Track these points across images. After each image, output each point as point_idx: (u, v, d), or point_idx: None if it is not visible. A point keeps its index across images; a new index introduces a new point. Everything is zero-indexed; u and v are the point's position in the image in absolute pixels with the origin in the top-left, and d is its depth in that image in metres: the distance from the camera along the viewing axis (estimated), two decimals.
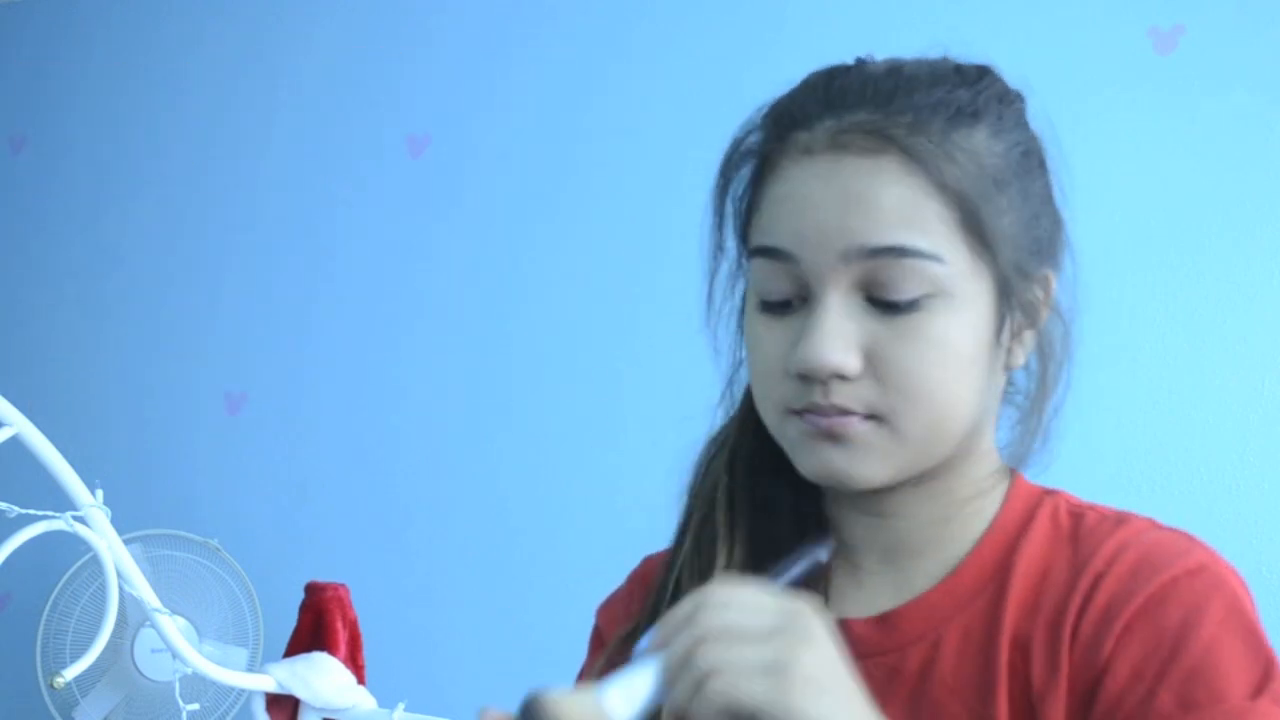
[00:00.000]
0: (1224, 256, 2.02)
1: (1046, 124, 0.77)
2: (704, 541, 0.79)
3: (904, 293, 0.68)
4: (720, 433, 0.83)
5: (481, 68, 2.61)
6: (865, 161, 0.68)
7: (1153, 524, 0.72)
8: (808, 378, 0.69)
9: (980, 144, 0.70)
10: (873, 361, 0.68)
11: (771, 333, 0.72)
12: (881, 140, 0.68)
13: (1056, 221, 0.76)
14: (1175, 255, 2.04)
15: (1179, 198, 2.04)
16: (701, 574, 0.77)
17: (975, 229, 0.69)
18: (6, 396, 1.72)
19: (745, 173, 0.76)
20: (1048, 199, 0.75)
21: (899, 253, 0.67)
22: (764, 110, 0.76)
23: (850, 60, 0.75)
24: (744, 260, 0.77)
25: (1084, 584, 0.69)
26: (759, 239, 0.72)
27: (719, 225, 0.79)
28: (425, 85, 2.65)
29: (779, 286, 0.71)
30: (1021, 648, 0.69)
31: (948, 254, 0.68)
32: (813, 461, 0.71)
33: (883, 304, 0.68)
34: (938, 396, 0.69)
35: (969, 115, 0.71)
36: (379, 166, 2.66)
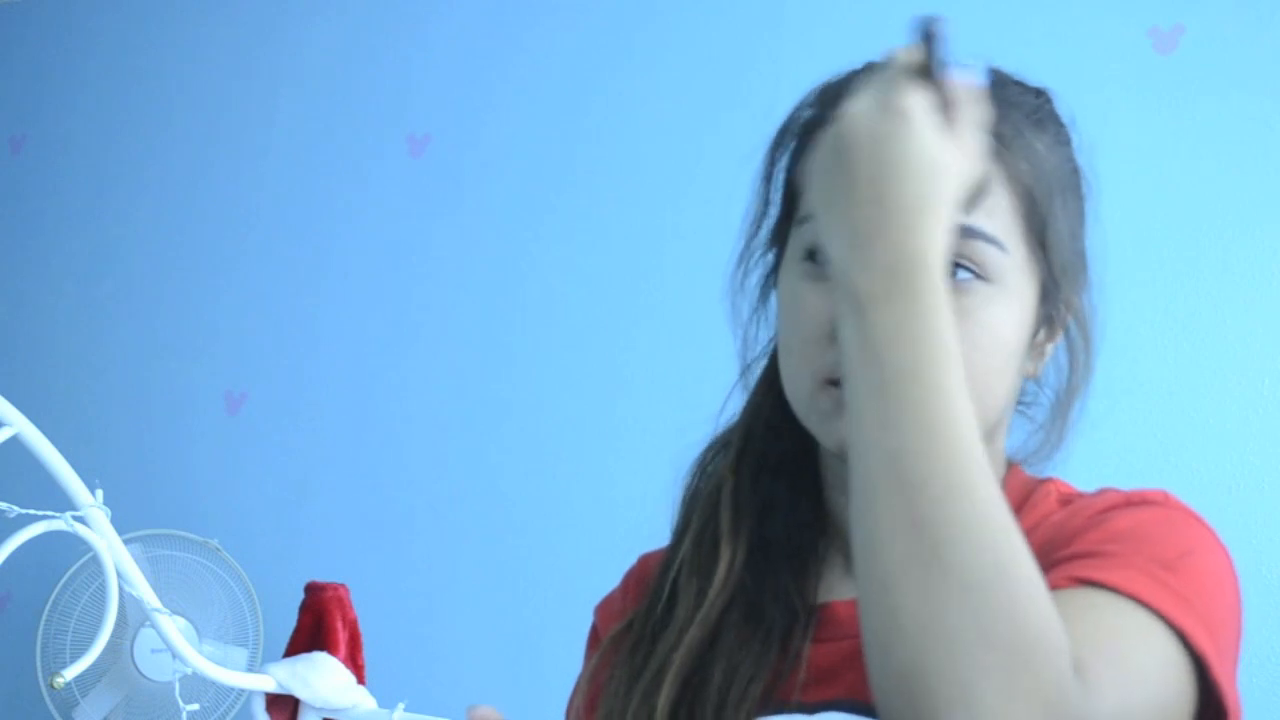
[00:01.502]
0: (1224, 256, 2.02)
1: (1089, 158, 0.77)
2: (705, 542, 0.78)
3: (964, 274, 0.68)
4: (723, 436, 0.82)
5: (481, 68, 2.61)
6: None
7: (1122, 490, 0.73)
8: None
9: (1046, 148, 0.72)
10: None
11: (815, 294, 0.70)
12: None
13: (1088, 244, 0.77)
14: (1175, 255, 2.04)
15: (1179, 198, 2.04)
16: (701, 574, 0.77)
17: (1036, 227, 0.70)
18: (6, 396, 1.72)
19: (794, 145, 0.76)
20: (1085, 218, 0.76)
21: (968, 233, 0.67)
22: (821, 86, 0.77)
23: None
24: (795, 224, 0.75)
25: (1039, 533, 0.69)
26: (812, 207, 0.70)
27: (766, 185, 0.78)
28: (425, 85, 2.65)
29: None
30: None
31: (1010, 245, 0.69)
32: (843, 433, 0.68)
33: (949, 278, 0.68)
34: (979, 382, 0.67)
35: (1037, 120, 0.72)
36: (379, 166, 2.66)
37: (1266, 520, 1.95)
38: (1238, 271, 2.01)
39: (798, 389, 0.72)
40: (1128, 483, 2.07)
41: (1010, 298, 0.69)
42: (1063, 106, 0.78)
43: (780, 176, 0.77)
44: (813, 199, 0.62)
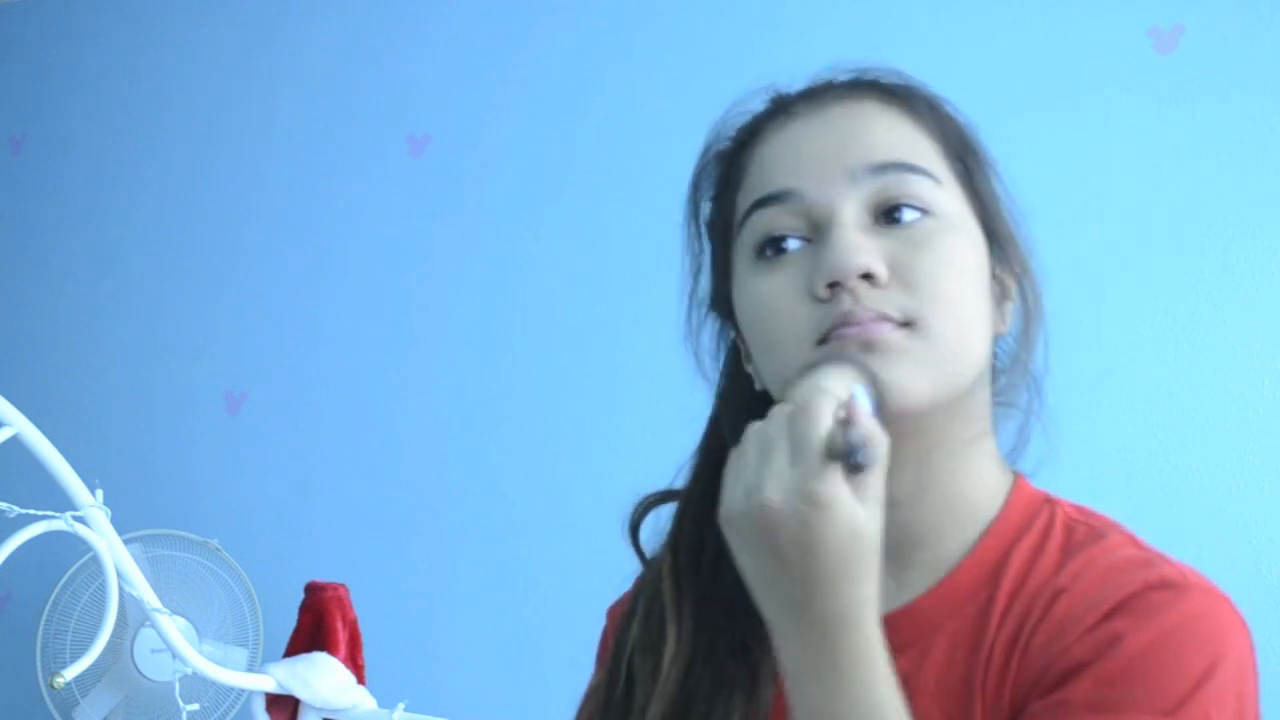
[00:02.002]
0: (1224, 256, 2.02)
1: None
2: (652, 620, 0.78)
3: (912, 207, 0.69)
4: (657, 496, 0.84)
5: (481, 68, 2.61)
6: (850, 104, 0.72)
7: (1131, 541, 0.71)
8: (834, 289, 0.67)
9: (949, 113, 0.75)
10: (896, 271, 0.68)
11: (776, 276, 0.70)
12: (862, 88, 0.73)
13: (1017, 216, 0.77)
14: (1175, 255, 2.04)
15: (1179, 197, 2.04)
16: (653, 651, 0.77)
17: (963, 172, 0.72)
18: (6, 396, 1.72)
19: (719, 168, 0.78)
20: (1006, 193, 0.77)
21: (904, 168, 0.69)
22: (724, 122, 0.79)
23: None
24: (739, 222, 0.75)
25: (1047, 595, 0.68)
26: (754, 194, 0.72)
27: (696, 228, 0.80)
28: (425, 85, 2.65)
29: (783, 225, 0.71)
30: (992, 660, 0.68)
31: (944, 180, 0.71)
32: None
33: (890, 222, 0.69)
34: (961, 303, 0.69)
35: (931, 93, 0.75)
36: (379, 166, 2.66)
37: (1266, 520, 1.95)
38: (1238, 271, 2.01)
39: (787, 366, 0.69)
40: (1128, 483, 2.05)
41: (958, 231, 0.71)
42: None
43: (705, 210, 0.79)
44: (742, 567, 0.64)
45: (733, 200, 0.76)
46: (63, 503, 1.77)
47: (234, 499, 2.66)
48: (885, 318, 0.67)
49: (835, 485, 0.60)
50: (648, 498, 0.84)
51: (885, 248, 0.68)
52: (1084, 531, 0.72)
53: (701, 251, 0.81)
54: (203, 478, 2.71)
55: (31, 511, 1.69)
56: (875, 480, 0.62)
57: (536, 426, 2.43)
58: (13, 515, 1.67)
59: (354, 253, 2.66)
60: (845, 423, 0.61)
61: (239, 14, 2.86)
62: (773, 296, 0.70)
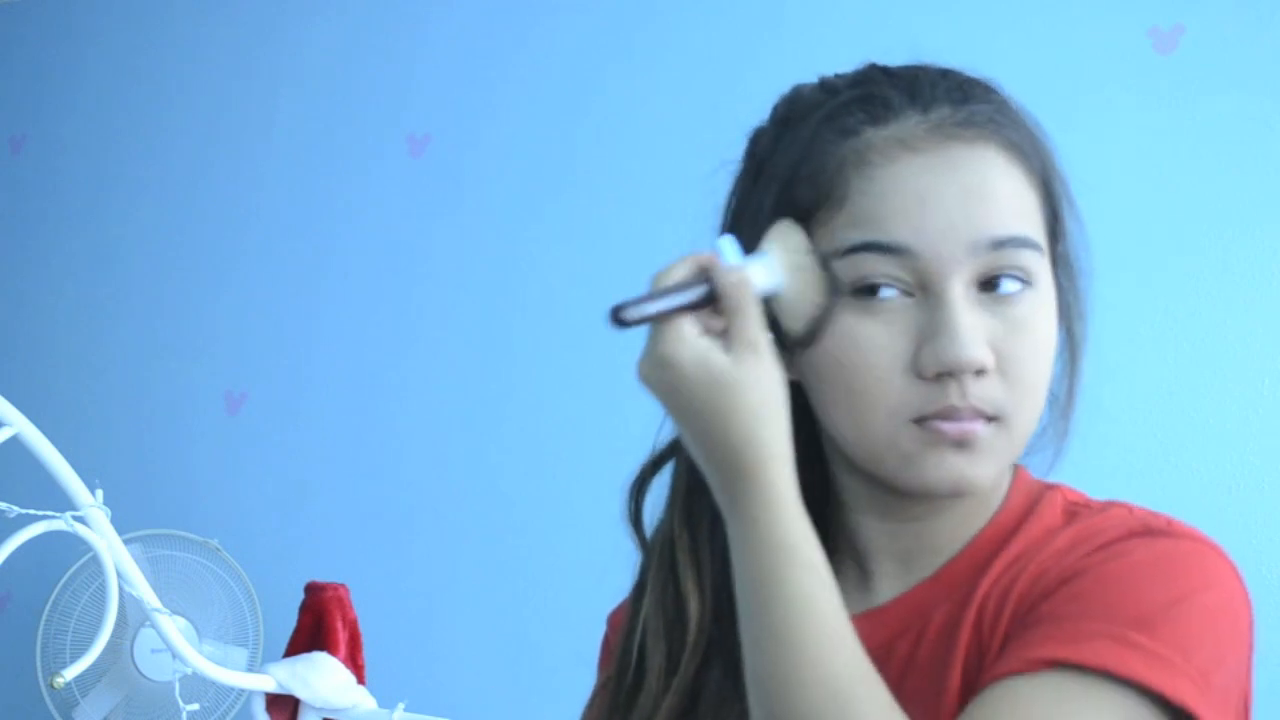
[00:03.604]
0: (1224, 256, 2.02)
1: (1053, 126, 0.78)
2: (668, 600, 0.76)
3: (1019, 284, 0.68)
4: (654, 463, 0.82)
5: (481, 68, 2.61)
6: (975, 151, 0.68)
7: (1128, 509, 0.72)
8: (944, 377, 0.66)
9: (1052, 160, 0.73)
10: (999, 359, 0.67)
11: (877, 325, 0.68)
12: (983, 130, 0.69)
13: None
14: (1175, 255, 2.04)
15: (1179, 197, 2.04)
16: (669, 635, 0.75)
17: (1053, 221, 0.71)
18: (6, 396, 1.72)
19: (801, 184, 0.71)
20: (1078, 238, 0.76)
21: (1020, 243, 0.68)
22: (780, 120, 0.74)
23: (867, 63, 0.75)
24: (836, 256, 0.70)
25: (1040, 558, 0.69)
26: (865, 235, 0.68)
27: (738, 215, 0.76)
28: (425, 85, 2.65)
29: (887, 275, 0.68)
30: (982, 623, 0.69)
31: (1044, 244, 0.70)
32: (940, 473, 0.68)
33: (993, 292, 0.68)
34: (1042, 391, 0.70)
35: (1028, 115, 0.73)
36: (379, 166, 2.66)
37: (1266, 520, 1.95)
38: (1238, 271, 2.01)
39: (872, 432, 0.69)
40: (1128, 482, 2.06)
41: (1045, 298, 0.70)
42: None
43: (767, 199, 0.73)
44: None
45: (822, 206, 0.70)
46: (63, 503, 1.77)
47: (234, 499, 2.66)
48: (981, 414, 0.67)
49: (673, 344, 0.68)
50: (642, 469, 0.83)
51: (989, 328, 0.67)
52: (1086, 514, 0.72)
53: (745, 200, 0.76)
54: (203, 478, 2.71)
55: (31, 511, 1.69)
56: (745, 325, 0.66)
57: (536, 426, 2.43)
58: (13, 515, 1.67)
59: (354, 253, 2.66)
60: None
61: (239, 14, 2.85)
62: (870, 350, 0.68)
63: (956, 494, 0.69)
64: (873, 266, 0.68)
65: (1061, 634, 0.62)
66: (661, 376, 0.68)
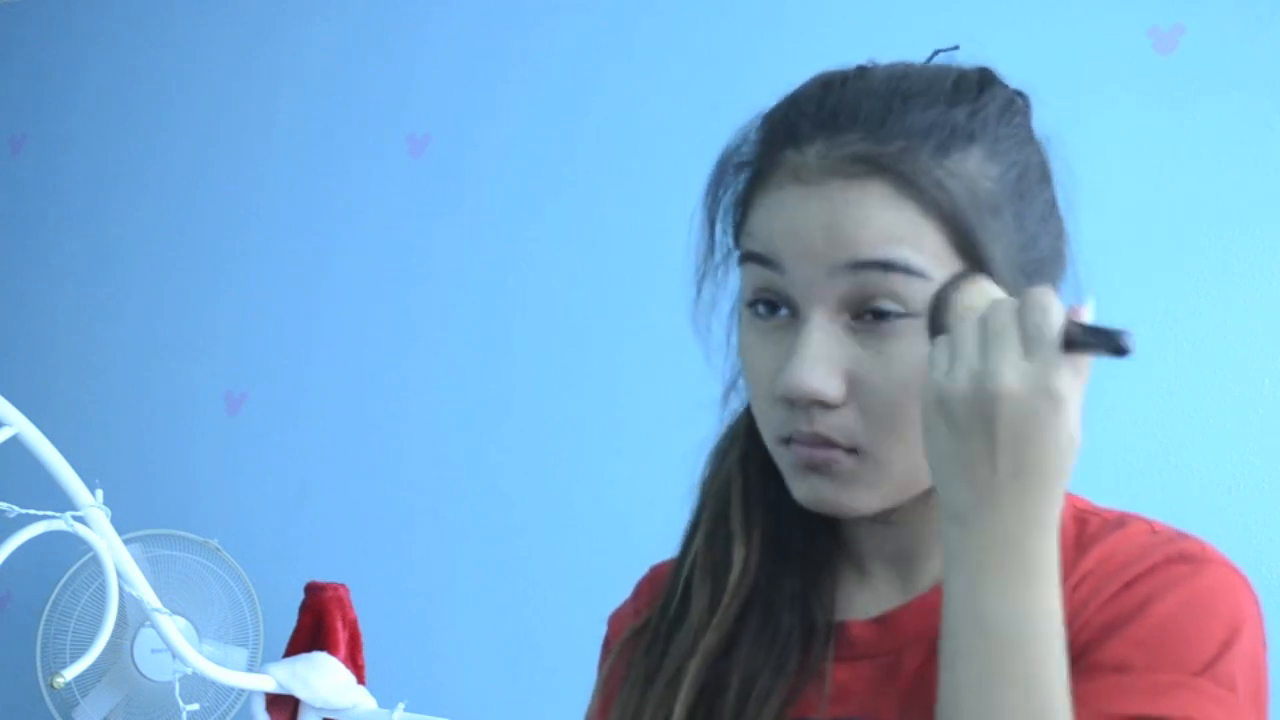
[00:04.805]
0: (1224, 256, 2.02)
1: (1052, 127, 0.75)
2: (718, 541, 0.78)
3: (889, 311, 0.66)
4: (733, 427, 0.82)
5: (481, 68, 2.61)
6: (854, 186, 0.67)
7: (1150, 526, 0.72)
8: (791, 404, 0.68)
9: (974, 168, 0.69)
10: (855, 388, 0.67)
11: (762, 347, 0.71)
12: (872, 167, 0.67)
13: (1059, 235, 0.74)
14: (1175, 255, 2.04)
15: (1179, 198, 2.04)
16: (715, 574, 0.76)
17: (969, 253, 0.68)
18: (6, 396, 1.72)
19: (739, 179, 0.75)
20: (1048, 215, 0.73)
21: (885, 267, 0.66)
22: (761, 119, 0.75)
23: (854, 64, 0.74)
24: (738, 261, 0.75)
25: (1070, 584, 0.68)
26: (750, 244, 0.71)
27: (710, 224, 0.78)
28: (425, 85, 2.65)
29: (769, 292, 0.70)
30: None
31: (937, 272, 0.67)
32: (803, 490, 0.70)
33: (867, 324, 0.67)
34: (908, 428, 0.67)
35: (964, 138, 0.69)
36: (379, 166, 2.66)
37: (1266, 520, 1.95)
38: (1238, 271, 2.01)
39: (765, 440, 0.72)
40: (1128, 483, 2.05)
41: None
42: (1012, 85, 0.74)
43: (722, 210, 0.77)
44: (934, 441, 0.63)
45: (740, 216, 0.74)
46: (63, 503, 1.77)
47: (234, 499, 2.67)
48: (831, 443, 0.67)
49: (1071, 382, 0.60)
50: (725, 434, 0.82)
51: (851, 355, 0.67)
52: (1098, 523, 0.72)
53: (713, 239, 0.78)
54: (203, 478, 2.71)
55: (31, 511, 1.69)
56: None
57: (536, 426, 2.43)
58: (13, 515, 1.67)
59: (354, 253, 2.66)
60: (1073, 319, 0.61)
61: (239, 14, 2.86)
62: (755, 366, 0.71)
63: (839, 515, 0.70)
64: (761, 278, 0.70)
65: (1136, 686, 0.63)
66: (1038, 406, 0.60)
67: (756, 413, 0.73)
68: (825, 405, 0.67)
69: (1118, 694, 0.63)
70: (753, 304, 0.71)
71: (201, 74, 2.88)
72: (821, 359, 0.67)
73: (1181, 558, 0.68)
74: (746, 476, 0.78)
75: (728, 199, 0.76)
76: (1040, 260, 0.72)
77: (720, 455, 0.81)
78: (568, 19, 2.54)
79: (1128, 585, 0.67)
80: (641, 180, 2.39)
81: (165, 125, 2.90)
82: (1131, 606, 0.66)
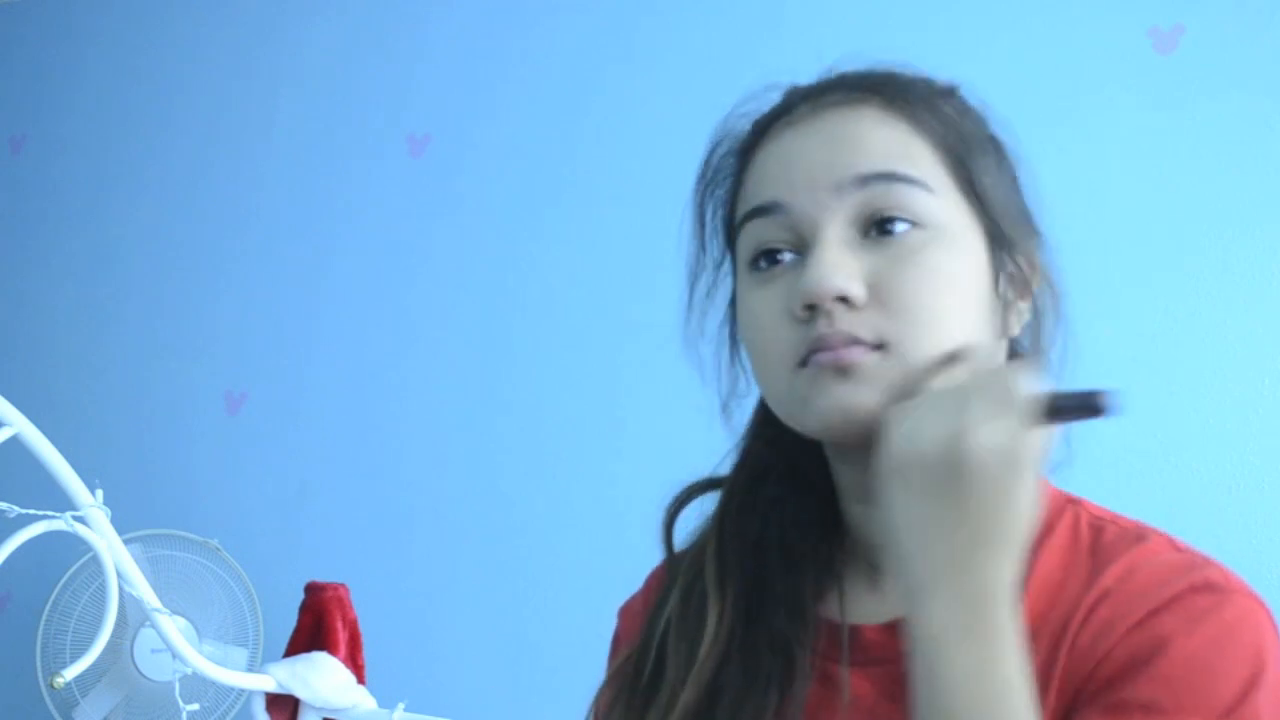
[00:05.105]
0: (1224, 256, 2.02)
1: (1011, 133, 0.78)
2: (693, 599, 0.77)
3: (899, 219, 0.68)
4: (702, 483, 0.82)
5: (481, 68, 2.61)
6: (848, 110, 0.71)
7: (1171, 544, 0.70)
8: (812, 310, 0.67)
9: (956, 111, 0.73)
10: (875, 291, 0.67)
11: (766, 290, 0.71)
12: (862, 92, 0.71)
13: (1032, 208, 0.77)
14: (1175, 255, 2.04)
15: (1179, 197, 2.04)
16: (690, 635, 0.76)
17: (963, 175, 0.70)
18: (6, 396, 1.72)
19: (726, 179, 0.77)
20: (1019, 187, 0.76)
21: (890, 178, 0.68)
22: (733, 116, 0.78)
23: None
24: (729, 263, 0.76)
25: (1090, 599, 0.67)
26: (745, 206, 0.72)
27: (700, 235, 0.80)
28: (425, 85, 2.65)
29: (773, 238, 0.71)
30: (1039, 658, 0.67)
31: (938, 187, 0.69)
32: (826, 402, 0.67)
33: (878, 234, 0.68)
34: (942, 319, 0.67)
35: (942, 90, 0.74)
36: (379, 166, 2.66)
37: (1266, 520, 1.95)
38: (1238, 271, 2.01)
39: (776, 388, 0.71)
40: (1128, 482, 2.05)
41: (951, 243, 0.69)
42: (973, 95, 0.78)
43: (711, 215, 0.78)
44: (898, 507, 0.62)
45: (735, 203, 0.76)
46: (63, 503, 1.77)
47: (234, 499, 2.67)
48: (857, 341, 0.66)
49: (1041, 446, 0.61)
50: (690, 486, 0.82)
51: (868, 264, 0.68)
52: (1114, 532, 0.71)
53: (704, 251, 0.80)
54: (203, 478, 2.71)
55: (31, 511, 1.69)
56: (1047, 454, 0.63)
57: (536, 426, 2.43)
58: (13, 515, 1.67)
59: (354, 253, 2.66)
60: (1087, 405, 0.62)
61: (239, 14, 2.86)
62: (760, 313, 0.71)
63: (849, 426, 0.67)
64: (759, 232, 0.71)
65: None
66: (1007, 470, 0.61)
67: (762, 355, 0.71)
68: (849, 305, 0.67)
69: None
70: (754, 264, 0.72)
71: (201, 74, 2.88)
72: (840, 260, 0.67)
73: (1207, 587, 0.66)
74: (722, 536, 0.78)
75: (714, 202, 0.78)
76: (1025, 211, 0.75)
77: (678, 506, 0.82)
78: (568, 19, 2.54)
79: (1152, 614, 0.65)
80: (641, 180, 2.39)
81: (165, 125, 2.90)
82: (1156, 641, 0.64)
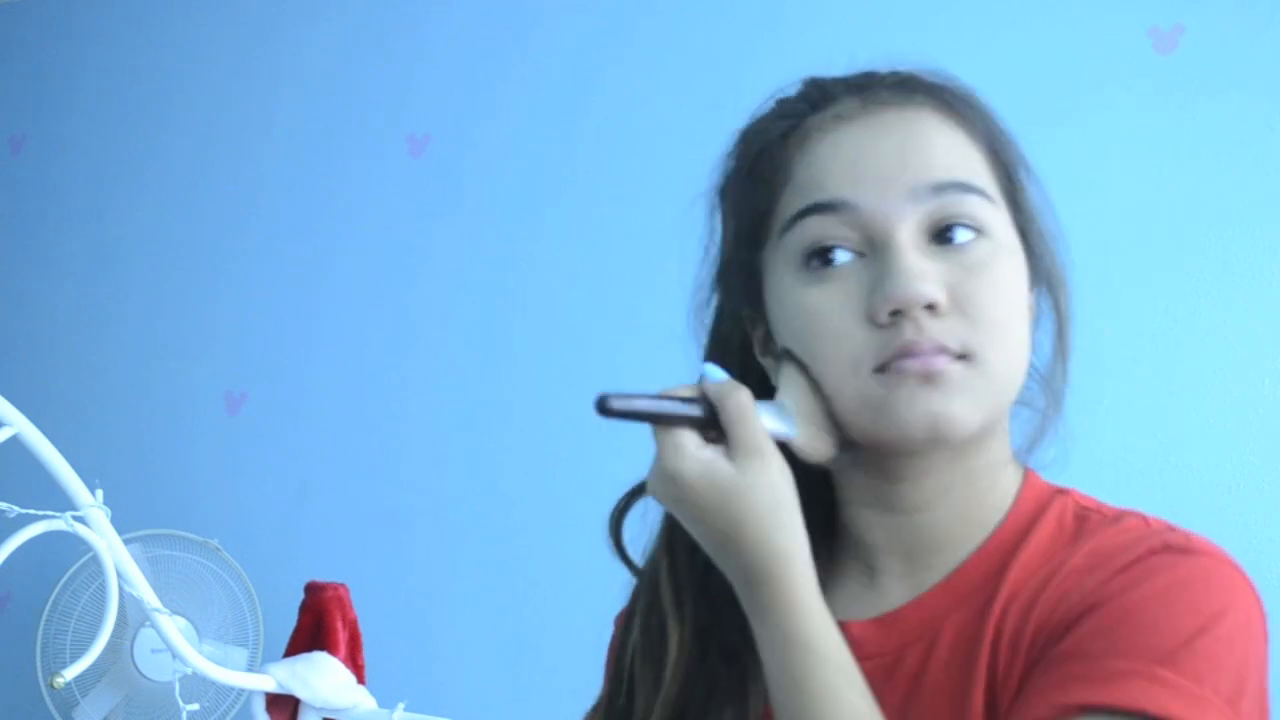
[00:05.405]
0: (1224, 256, 2.02)
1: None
2: (652, 626, 0.77)
3: (969, 230, 0.69)
4: (624, 501, 0.82)
5: (481, 68, 2.61)
6: (908, 111, 0.71)
7: (1144, 520, 0.71)
8: (897, 316, 0.67)
9: (994, 121, 0.74)
10: (954, 299, 0.67)
11: (827, 289, 0.69)
12: (918, 92, 0.71)
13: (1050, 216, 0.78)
14: (1175, 255, 2.04)
15: (1179, 197, 2.04)
16: (653, 660, 0.76)
17: (1009, 187, 0.72)
18: (6, 396, 1.72)
19: (762, 159, 0.75)
20: (1042, 206, 0.77)
21: (963, 188, 0.69)
22: (760, 111, 0.77)
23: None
24: (784, 228, 0.73)
25: (1061, 574, 0.68)
26: (807, 199, 0.70)
27: (725, 226, 0.79)
28: (425, 85, 2.65)
29: (836, 235, 0.69)
30: (1001, 643, 0.68)
31: (995, 198, 0.71)
32: (915, 411, 0.67)
33: (948, 243, 0.69)
34: (1013, 332, 0.69)
35: (982, 102, 0.75)
36: (379, 166, 2.66)
37: (1266, 520, 1.95)
38: (1238, 271, 2.01)
39: (843, 393, 0.69)
40: (1128, 482, 2.05)
41: (1008, 252, 0.71)
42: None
43: (738, 208, 0.77)
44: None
45: (773, 195, 0.73)
46: (63, 503, 1.77)
47: (234, 499, 2.66)
48: (944, 350, 0.67)
49: (675, 458, 0.67)
50: (631, 491, 0.82)
51: (943, 272, 0.68)
52: (1096, 519, 0.72)
53: (739, 244, 0.78)
54: (203, 478, 2.71)
55: (31, 511, 1.69)
56: (745, 432, 0.66)
57: (536, 426, 2.43)
58: (13, 515, 1.67)
59: (354, 253, 2.66)
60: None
61: (239, 14, 2.85)
62: (824, 313, 0.69)
63: (937, 437, 0.67)
64: (819, 228, 0.70)
65: (1091, 674, 0.61)
66: (668, 490, 0.68)
67: (828, 356, 0.69)
68: (934, 312, 0.67)
69: (1071, 683, 0.62)
70: (808, 258, 0.70)
71: (201, 74, 2.87)
72: (927, 269, 0.67)
73: (1166, 548, 0.66)
74: (673, 557, 0.77)
75: (742, 179, 0.77)
76: (1051, 234, 0.76)
77: (617, 520, 0.83)
78: (568, 19, 2.54)
79: (1107, 578, 0.66)
80: (641, 180, 2.39)
81: (165, 125, 2.89)
82: (1100, 598, 0.65)
